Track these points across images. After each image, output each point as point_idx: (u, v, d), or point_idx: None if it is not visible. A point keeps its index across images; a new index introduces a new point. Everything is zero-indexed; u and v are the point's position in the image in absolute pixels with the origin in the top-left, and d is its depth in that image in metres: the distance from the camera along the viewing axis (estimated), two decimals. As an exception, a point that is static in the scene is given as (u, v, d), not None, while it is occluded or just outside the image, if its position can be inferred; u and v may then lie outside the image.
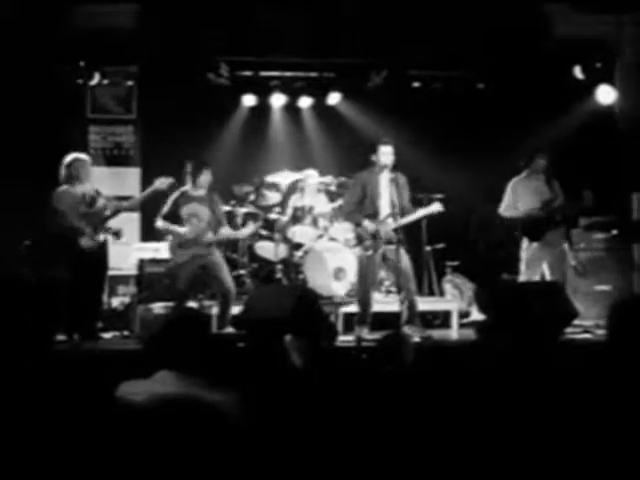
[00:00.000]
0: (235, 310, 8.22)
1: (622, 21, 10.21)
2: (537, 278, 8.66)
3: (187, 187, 8.54)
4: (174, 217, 8.45)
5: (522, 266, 8.76)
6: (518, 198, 8.83)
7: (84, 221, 8.23)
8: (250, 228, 9.13)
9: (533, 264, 8.70)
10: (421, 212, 8.41)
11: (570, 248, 8.93)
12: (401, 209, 8.28)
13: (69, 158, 8.37)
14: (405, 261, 8.28)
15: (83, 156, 8.52)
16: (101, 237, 8.30)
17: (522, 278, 8.73)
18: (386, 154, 8.34)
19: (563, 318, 7.17)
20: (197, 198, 8.53)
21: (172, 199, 8.48)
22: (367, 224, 8.28)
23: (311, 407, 3.52)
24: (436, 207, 8.40)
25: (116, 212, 8.49)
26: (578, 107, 10.59)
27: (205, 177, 8.53)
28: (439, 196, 8.83)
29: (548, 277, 8.70)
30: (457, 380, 3.79)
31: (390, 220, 8.27)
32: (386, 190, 8.36)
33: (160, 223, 8.48)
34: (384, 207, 8.36)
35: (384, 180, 8.38)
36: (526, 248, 8.75)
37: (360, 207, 8.42)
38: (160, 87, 10.30)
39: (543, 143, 9.36)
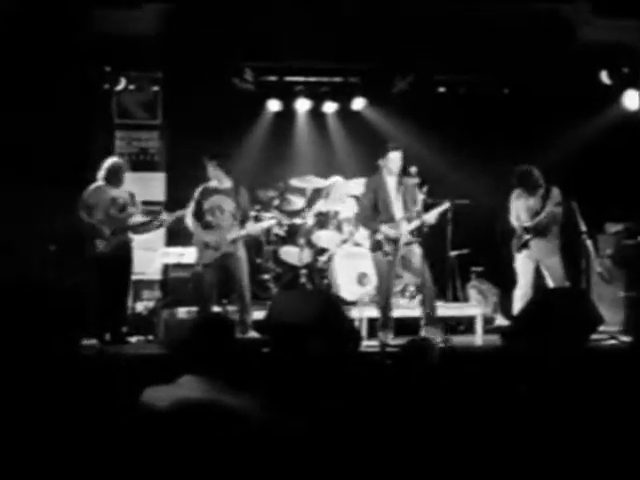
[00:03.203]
0: (259, 315, 8.23)
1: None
2: (530, 288, 8.64)
3: (211, 182, 8.60)
4: (201, 212, 8.52)
5: (518, 277, 8.77)
6: (519, 211, 8.85)
7: (107, 223, 8.36)
8: (268, 222, 9.22)
9: (525, 276, 8.70)
10: (433, 213, 8.36)
11: (596, 254, 8.87)
12: (415, 212, 8.28)
13: (110, 161, 8.66)
14: (421, 262, 8.26)
15: (120, 160, 8.74)
16: (115, 242, 8.40)
17: (518, 290, 8.72)
18: (394, 160, 8.36)
19: (588, 324, 7.14)
20: (222, 191, 8.56)
21: (197, 194, 8.54)
22: (386, 229, 8.28)
23: (336, 411, 3.52)
24: (444, 205, 8.39)
25: (138, 229, 8.63)
26: (604, 112, 10.54)
27: (210, 170, 8.57)
28: (464, 201, 8.81)
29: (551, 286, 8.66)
30: (481, 385, 3.78)
31: (405, 223, 8.27)
32: (397, 194, 8.38)
33: (189, 221, 8.53)
34: (397, 211, 8.36)
35: (392, 184, 8.40)
36: (518, 260, 8.77)
37: (375, 213, 8.42)
38: (185, 93, 10.33)
39: (565, 147, 9.29)
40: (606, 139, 10.25)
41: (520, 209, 8.82)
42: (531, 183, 8.73)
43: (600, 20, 10.03)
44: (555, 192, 8.70)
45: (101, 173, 8.54)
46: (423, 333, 8.08)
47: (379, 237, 8.35)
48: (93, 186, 8.49)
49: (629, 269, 9.42)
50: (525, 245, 8.67)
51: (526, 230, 8.67)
